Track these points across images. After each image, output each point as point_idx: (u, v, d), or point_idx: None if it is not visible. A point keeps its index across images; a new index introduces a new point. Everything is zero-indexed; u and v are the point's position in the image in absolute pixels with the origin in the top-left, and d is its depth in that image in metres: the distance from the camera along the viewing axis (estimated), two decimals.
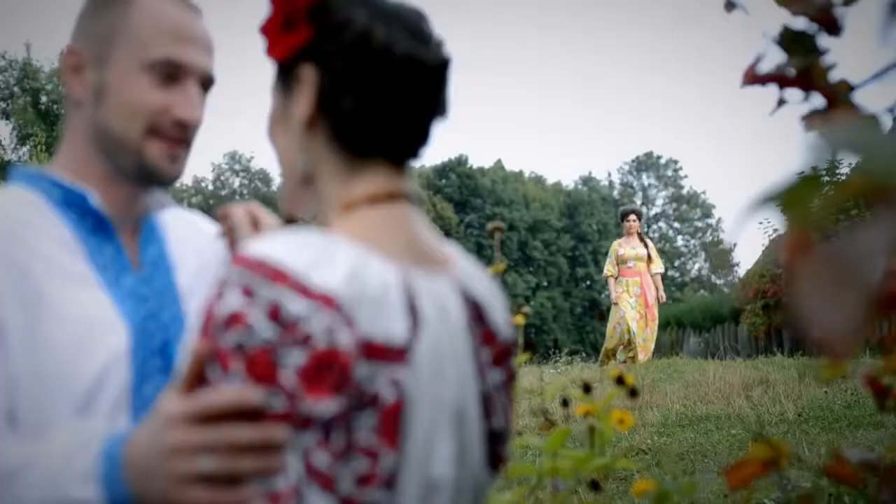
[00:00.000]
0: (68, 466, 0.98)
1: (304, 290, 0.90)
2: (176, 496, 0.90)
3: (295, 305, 0.89)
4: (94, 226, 1.29)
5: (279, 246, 0.93)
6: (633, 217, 9.83)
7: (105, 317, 1.23)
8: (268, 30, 1.05)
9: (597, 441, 1.76)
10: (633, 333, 9.27)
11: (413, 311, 0.96)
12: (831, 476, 1.33)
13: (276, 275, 0.90)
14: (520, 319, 1.89)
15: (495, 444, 1.10)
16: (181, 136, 1.30)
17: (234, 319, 0.90)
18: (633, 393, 1.72)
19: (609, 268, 9.77)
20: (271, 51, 1.05)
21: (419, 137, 1.06)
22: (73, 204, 1.28)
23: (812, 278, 0.44)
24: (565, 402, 1.87)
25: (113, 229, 1.31)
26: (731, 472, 1.32)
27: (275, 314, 0.89)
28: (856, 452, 1.34)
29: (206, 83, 1.34)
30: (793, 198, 0.46)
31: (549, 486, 1.82)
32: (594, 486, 1.70)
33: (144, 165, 1.29)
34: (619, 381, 1.73)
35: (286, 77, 1.06)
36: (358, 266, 0.94)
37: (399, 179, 1.06)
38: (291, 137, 1.07)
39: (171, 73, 1.29)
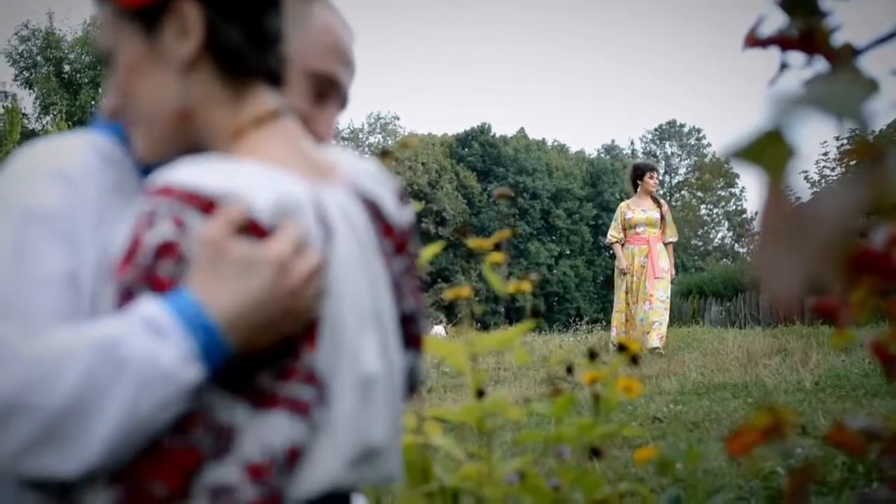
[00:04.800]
0: (154, 362, 0.90)
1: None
2: (306, 313, 0.97)
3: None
4: None
5: (206, 175, 0.94)
6: (656, 174, 8.20)
7: None
8: None
9: (602, 408, 1.76)
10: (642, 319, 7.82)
11: (325, 224, 1.01)
12: (833, 444, 1.32)
13: (209, 206, 0.92)
14: (526, 287, 1.90)
15: (410, 325, 1.20)
16: None
17: (166, 249, 0.92)
18: (635, 360, 1.72)
19: (613, 233, 8.18)
20: None
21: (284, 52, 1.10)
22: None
23: (771, 234, 0.43)
24: (569, 370, 1.87)
25: None
26: (732, 440, 1.31)
27: None
28: (858, 420, 1.33)
29: (342, 105, 1.32)
30: (755, 152, 0.45)
31: (556, 453, 1.83)
32: (595, 453, 1.70)
33: None
34: (622, 348, 1.73)
35: (149, 20, 1.03)
36: (279, 188, 0.97)
37: (276, 97, 1.08)
38: (164, 78, 1.04)
39: (323, 89, 1.27)
